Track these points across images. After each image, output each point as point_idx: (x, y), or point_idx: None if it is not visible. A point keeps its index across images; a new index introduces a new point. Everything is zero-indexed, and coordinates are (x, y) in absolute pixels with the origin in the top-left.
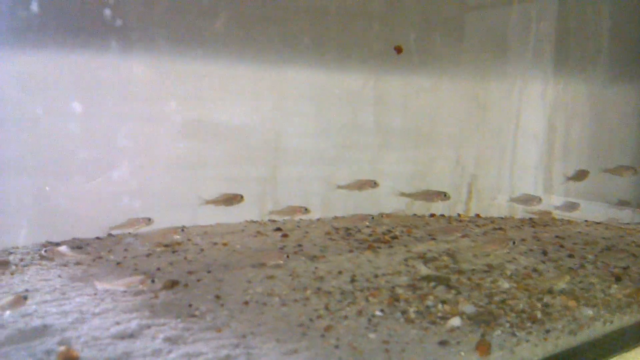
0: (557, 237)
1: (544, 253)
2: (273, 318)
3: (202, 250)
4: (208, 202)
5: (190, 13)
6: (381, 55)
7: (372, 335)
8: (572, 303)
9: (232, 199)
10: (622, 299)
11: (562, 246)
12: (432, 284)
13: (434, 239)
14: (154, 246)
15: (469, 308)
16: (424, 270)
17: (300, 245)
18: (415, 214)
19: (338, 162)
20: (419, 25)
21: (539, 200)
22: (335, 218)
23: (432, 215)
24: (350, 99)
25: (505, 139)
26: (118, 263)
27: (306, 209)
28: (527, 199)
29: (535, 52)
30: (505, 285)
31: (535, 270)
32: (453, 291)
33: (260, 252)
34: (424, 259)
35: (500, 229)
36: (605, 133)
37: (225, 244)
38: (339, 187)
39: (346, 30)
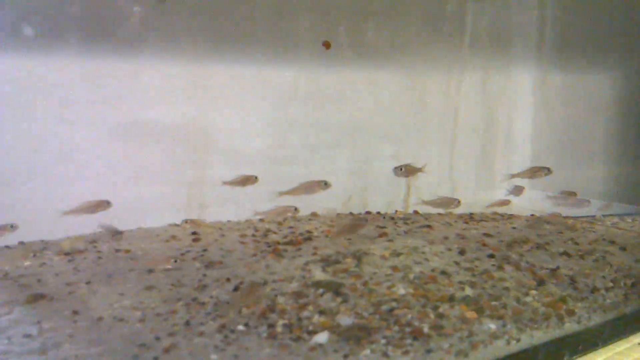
0: (484, 234)
1: (461, 252)
2: (117, 337)
3: (99, 258)
4: (225, 182)
5: (108, 9)
6: (314, 50)
7: (214, 357)
8: (471, 314)
9: (246, 180)
10: (538, 310)
11: (484, 244)
12: (321, 290)
13: (349, 239)
14: (56, 254)
15: (345, 320)
16: (318, 275)
17: (205, 250)
18: (351, 212)
19: (272, 161)
20: (353, 18)
21: (457, 203)
22: (261, 220)
23: (368, 212)
24: (283, 96)
25: (444, 133)
26: (5, 274)
27: (296, 209)
28: (445, 202)
29: (474, 43)
30: (401, 291)
31: (443, 272)
32: (339, 299)
33: (153, 258)
34: (327, 262)
35: (429, 226)
36: (555, 125)
37: (127, 251)
38: (281, 193)
39: (278, 24)
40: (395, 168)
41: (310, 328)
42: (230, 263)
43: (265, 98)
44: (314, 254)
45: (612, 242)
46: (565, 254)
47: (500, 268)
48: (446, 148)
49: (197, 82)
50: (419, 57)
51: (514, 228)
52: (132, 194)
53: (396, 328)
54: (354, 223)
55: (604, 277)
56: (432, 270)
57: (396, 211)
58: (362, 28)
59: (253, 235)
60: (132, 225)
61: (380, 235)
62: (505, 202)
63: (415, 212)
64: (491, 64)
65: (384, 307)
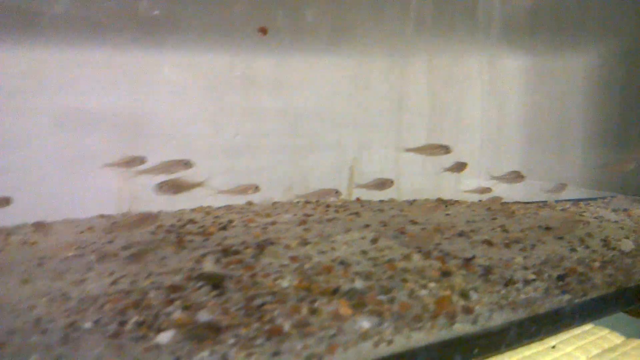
0: (410, 221)
1: (374, 241)
2: None
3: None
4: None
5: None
6: (252, 35)
7: (35, 356)
8: (346, 310)
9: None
10: (429, 306)
11: (403, 232)
12: (200, 284)
13: (265, 228)
14: None
15: (204, 316)
16: (208, 267)
17: (110, 242)
18: (293, 201)
19: (209, 149)
20: (291, 1)
21: (391, 183)
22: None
23: (307, 201)
24: (220, 83)
25: (389, 119)
26: None
27: (256, 187)
28: (380, 183)
29: (419, 26)
30: (285, 283)
31: (343, 262)
32: (214, 293)
33: (50, 250)
34: (226, 253)
35: (356, 213)
36: (507, 109)
37: (33, 243)
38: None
39: (213, 8)
40: None
41: (164, 326)
42: (126, 255)
43: (201, 85)
44: (218, 244)
45: (548, 229)
46: (487, 242)
47: (407, 257)
48: (391, 134)
49: (131, 70)
50: (361, 41)
51: (447, 215)
52: (65, 183)
53: (256, 325)
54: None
55: (526, 268)
56: (333, 260)
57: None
58: (301, 12)
59: (172, 226)
60: (62, 215)
61: (300, 224)
62: (487, 190)
63: (357, 199)
64: (437, 48)
65: (256, 302)
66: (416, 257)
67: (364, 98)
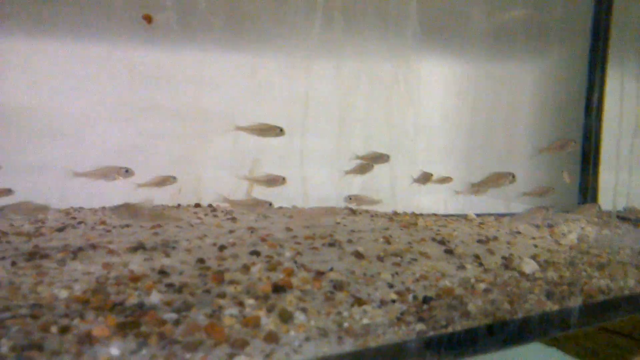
0: (287, 228)
1: (221, 248)
2: None
3: None
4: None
5: None
6: (131, 26)
7: None
8: (102, 332)
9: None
10: (221, 331)
11: (264, 239)
12: None
13: (108, 231)
14: None
15: None
16: None
17: None
18: (179, 204)
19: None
20: None
21: (283, 180)
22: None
23: (197, 205)
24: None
25: (293, 122)
26: None
27: (174, 178)
28: (271, 180)
29: (326, 25)
30: (64, 294)
31: (162, 272)
32: None
33: None
34: (31, 256)
35: (233, 218)
36: (422, 115)
37: None
38: (139, 185)
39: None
40: None
41: None
42: None
43: (106, 82)
44: (35, 246)
45: (442, 243)
46: (357, 254)
47: (246, 268)
48: (296, 138)
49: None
50: (260, 37)
51: (337, 223)
52: None
53: None
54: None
55: (391, 285)
56: (153, 269)
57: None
58: (192, 6)
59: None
60: None
61: (153, 227)
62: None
63: None
64: (347, 49)
65: (3, 315)
66: (257, 268)
67: (265, 98)
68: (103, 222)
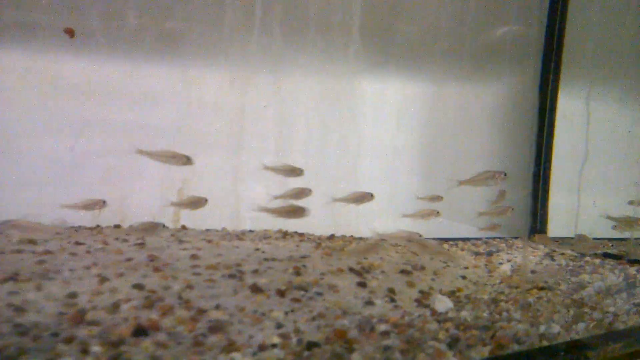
0: (192, 256)
1: (102, 280)
2: None
3: None
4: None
5: None
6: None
7: None
8: None
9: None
10: None
11: (158, 270)
12: None
13: None
14: None
15: None
16: None
17: None
18: (98, 225)
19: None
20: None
21: (205, 201)
22: None
23: (117, 226)
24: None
25: (228, 135)
26: None
27: (104, 202)
28: (194, 202)
29: (265, 39)
30: None
31: None
32: None
33: None
34: None
35: (141, 244)
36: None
37: None
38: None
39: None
40: None
41: None
42: None
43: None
44: None
45: (358, 274)
46: (255, 288)
47: (116, 306)
48: (230, 154)
49: None
50: (194, 50)
51: (256, 249)
52: None
53: None
54: None
55: (279, 326)
56: (9, 306)
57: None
58: (121, 13)
59: None
60: None
61: (43, 253)
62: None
63: (183, 227)
64: (288, 64)
65: None
66: (129, 306)
67: (198, 113)
68: None
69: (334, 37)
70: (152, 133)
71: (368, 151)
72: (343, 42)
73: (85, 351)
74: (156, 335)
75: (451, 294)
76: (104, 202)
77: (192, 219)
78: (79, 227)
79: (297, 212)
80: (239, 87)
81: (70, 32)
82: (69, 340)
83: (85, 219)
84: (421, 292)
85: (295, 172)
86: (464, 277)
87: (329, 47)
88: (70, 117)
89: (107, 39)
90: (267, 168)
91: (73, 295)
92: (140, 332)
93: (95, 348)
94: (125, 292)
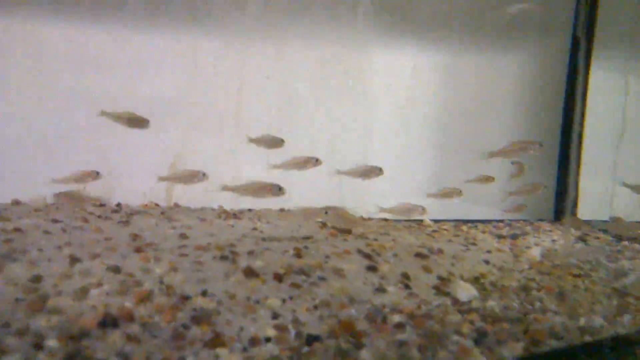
0: (181, 235)
1: (73, 262)
2: None
3: None
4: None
5: None
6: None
7: None
8: None
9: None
10: None
11: (140, 251)
12: None
13: None
14: None
15: None
16: None
17: None
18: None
19: None
20: None
21: (203, 175)
22: None
23: (101, 205)
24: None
25: (225, 109)
26: None
27: (97, 173)
28: (188, 176)
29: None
30: None
31: None
32: None
33: None
34: None
35: (125, 222)
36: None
37: None
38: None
39: None
40: None
41: None
42: None
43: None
44: None
45: (368, 257)
46: (249, 271)
47: (85, 291)
48: (228, 130)
49: None
50: (189, 14)
51: (253, 229)
52: None
53: None
54: None
55: (276, 316)
56: None
57: (146, 204)
58: None
59: None
60: None
61: (12, 230)
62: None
63: (175, 204)
64: (290, 33)
65: None
66: (100, 291)
67: (192, 83)
68: None
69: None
70: (140, 105)
71: (379, 127)
72: (352, 5)
73: (37, 346)
74: (128, 327)
75: (474, 281)
76: (97, 173)
77: (187, 198)
78: (62, 204)
79: (271, 190)
80: (237, 56)
81: None
82: (21, 333)
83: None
84: (440, 277)
85: (277, 143)
86: (487, 262)
87: (337, 11)
88: (56, 88)
89: (92, 2)
90: (251, 141)
91: (37, 278)
92: (108, 322)
93: (51, 342)
94: (98, 276)
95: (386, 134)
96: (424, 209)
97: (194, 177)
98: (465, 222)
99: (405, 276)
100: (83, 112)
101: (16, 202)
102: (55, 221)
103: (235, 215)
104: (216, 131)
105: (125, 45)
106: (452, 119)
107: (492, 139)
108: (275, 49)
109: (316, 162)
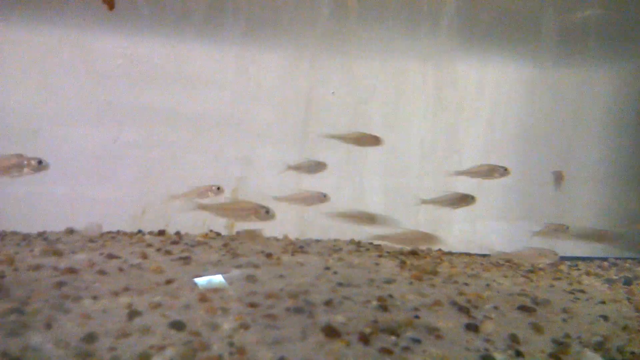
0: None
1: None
2: None
3: None
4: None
5: None
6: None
7: None
8: None
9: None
10: None
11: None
12: None
13: None
14: None
15: None
16: None
17: None
18: (140, 230)
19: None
20: None
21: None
22: None
23: (161, 232)
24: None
25: (290, 126)
26: None
27: (218, 188)
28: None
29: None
30: None
31: None
32: None
33: None
34: None
35: (185, 259)
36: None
37: None
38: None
39: None
40: None
41: None
42: None
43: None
44: None
45: (464, 311)
46: (330, 330)
47: (146, 357)
48: (293, 148)
49: None
50: (249, 26)
51: (326, 269)
52: None
53: None
54: None
55: None
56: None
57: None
58: None
59: None
60: None
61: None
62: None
63: (237, 234)
64: (365, 43)
65: None
66: (162, 358)
67: (255, 99)
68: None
69: (421, 8)
70: (199, 123)
71: (458, 146)
72: (431, 15)
73: None
74: None
75: (598, 347)
76: (219, 188)
77: (249, 224)
78: (118, 232)
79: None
80: (302, 71)
81: (109, 3)
82: None
83: (124, 222)
84: (555, 342)
85: (319, 167)
86: (605, 318)
87: (413, 22)
88: (108, 103)
89: (151, 12)
90: (290, 168)
91: (90, 338)
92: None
93: None
94: (159, 335)
95: (465, 155)
96: (555, 254)
97: (257, 212)
98: (562, 259)
99: (514, 339)
100: (137, 131)
101: (70, 231)
102: (111, 256)
103: (302, 248)
104: (280, 153)
105: (182, 58)
106: (535, 139)
107: (581, 160)
108: (344, 62)
109: None
